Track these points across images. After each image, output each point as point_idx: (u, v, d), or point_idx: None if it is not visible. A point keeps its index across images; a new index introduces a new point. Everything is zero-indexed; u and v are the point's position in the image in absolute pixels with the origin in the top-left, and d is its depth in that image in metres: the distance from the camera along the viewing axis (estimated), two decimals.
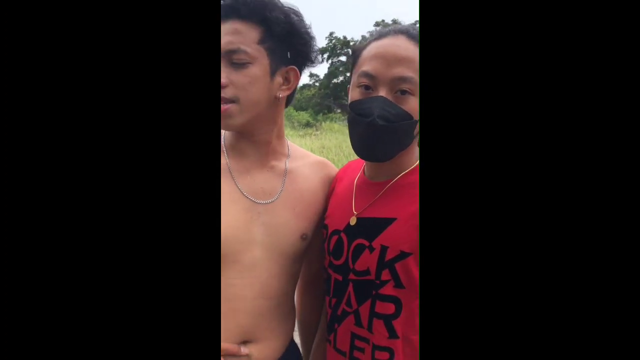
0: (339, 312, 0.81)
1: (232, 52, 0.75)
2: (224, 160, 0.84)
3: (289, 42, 0.81)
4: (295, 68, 0.85)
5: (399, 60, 0.72)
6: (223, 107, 0.76)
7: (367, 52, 0.77)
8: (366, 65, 0.76)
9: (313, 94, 32.26)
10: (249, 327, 0.80)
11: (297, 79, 0.86)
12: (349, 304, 0.80)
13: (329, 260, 0.86)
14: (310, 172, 0.93)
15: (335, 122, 18.58)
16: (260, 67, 0.78)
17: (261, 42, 0.77)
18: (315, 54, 0.87)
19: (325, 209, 0.92)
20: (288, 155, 0.92)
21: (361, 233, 0.79)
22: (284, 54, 0.81)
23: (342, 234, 0.83)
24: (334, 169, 0.99)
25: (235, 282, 0.79)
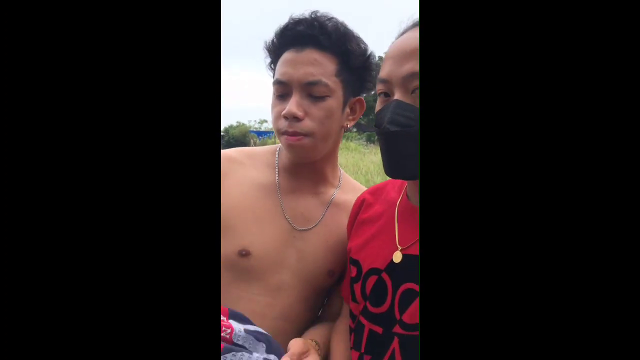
0: None
1: (312, 84, 0.73)
2: (275, 177, 0.82)
3: (361, 73, 0.80)
4: (362, 99, 0.83)
5: (409, 55, 0.60)
6: (296, 138, 0.74)
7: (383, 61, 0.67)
8: (381, 71, 0.65)
9: None
10: None
11: (363, 109, 0.84)
12: None
13: (364, 305, 0.69)
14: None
15: (351, 141, 18.55)
16: (336, 99, 0.76)
17: (338, 74, 0.75)
18: (372, 82, 0.82)
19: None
20: (338, 186, 0.87)
21: (411, 274, 0.63)
22: (355, 85, 0.80)
23: (384, 275, 0.66)
24: None
25: (259, 299, 0.77)
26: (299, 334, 0.81)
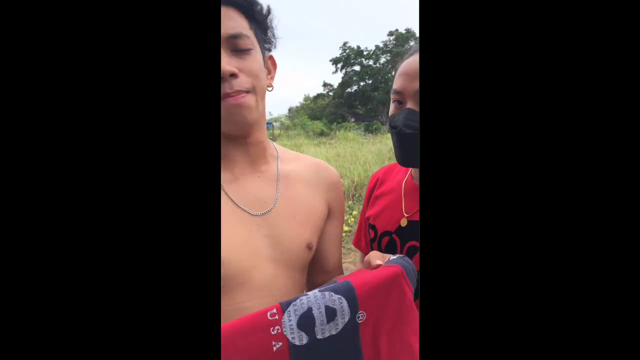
0: None
1: (236, 37, 0.67)
2: None
3: (265, 29, 0.76)
4: (273, 57, 0.79)
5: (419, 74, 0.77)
6: (239, 98, 0.67)
7: (397, 72, 0.83)
8: (395, 83, 0.82)
9: (327, 104, 32.25)
10: None
11: (276, 67, 0.80)
12: None
13: None
14: (309, 177, 0.83)
15: (350, 131, 18.55)
16: (258, 54, 0.71)
17: (250, 27, 0.71)
18: (275, 37, 0.79)
19: (325, 215, 0.85)
20: (278, 157, 0.82)
21: (413, 235, 0.85)
22: (263, 42, 0.75)
23: (394, 236, 0.87)
24: (333, 171, 0.90)
25: (249, 305, 0.69)
26: None
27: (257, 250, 0.71)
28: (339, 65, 31.71)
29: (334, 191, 0.85)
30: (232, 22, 0.68)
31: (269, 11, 0.76)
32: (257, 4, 0.73)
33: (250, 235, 0.72)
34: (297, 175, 0.81)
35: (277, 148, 0.84)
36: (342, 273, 0.89)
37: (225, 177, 0.75)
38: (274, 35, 0.78)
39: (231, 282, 0.69)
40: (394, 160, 0.94)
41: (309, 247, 0.77)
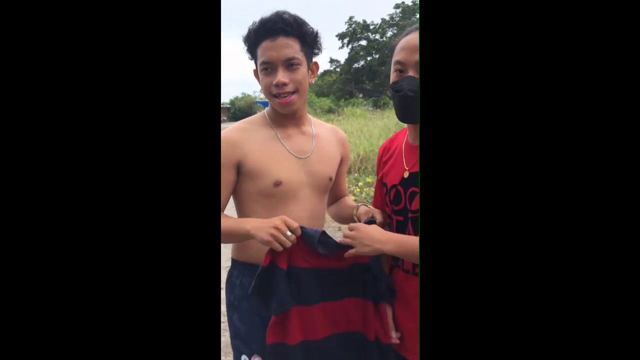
0: None
1: (290, 59, 1.16)
2: (272, 131, 1.27)
3: (313, 45, 1.24)
4: (317, 62, 1.29)
5: (417, 48, 1.01)
6: (288, 98, 1.18)
7: (398, 46, 1.07)
8: (397, 55, 1.06)
9: (334, 80, 31.98)
10: None
11: (318, 69, 1.32)
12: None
13: (392, 208, 1.18)
14: (329, 136, 1.38)
15: (357, 107, 18.38)
16: (304, 67, 1.20)
17: (301, 49, 1.18)
18: (320, 49, 1.28)
19: (339, 160, 1.39)
20: (312, 124, 1.36)
21: (413, 183, 1.12)
22: (311, 54, 1.24)
23: (399, 187, 1.16)
24: (343, 133, 1.45)
25: (296, 209, 1.24)
26: (319, 223, 1.31)
27: (302, 180, 1.26)
28: (345, 41, 31.31)
29: (344, 146, 1.42)
30: (289, 49, 1.15)
31: (316, 34, 1.22)
32: (310, 32, 1.19)
33: (299, 170, 1.26)
34: (323, 135, 1.36)
35: (310, 117, 1.37)
36: (346, 194, 1.52)
37: (282, 135, 1.27)
38: (319, 48, 1.25)
39: (288, 196, 1.23)
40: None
41: (330, 179, 1.32)
